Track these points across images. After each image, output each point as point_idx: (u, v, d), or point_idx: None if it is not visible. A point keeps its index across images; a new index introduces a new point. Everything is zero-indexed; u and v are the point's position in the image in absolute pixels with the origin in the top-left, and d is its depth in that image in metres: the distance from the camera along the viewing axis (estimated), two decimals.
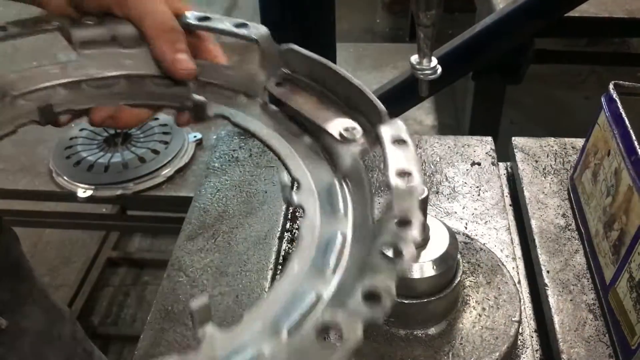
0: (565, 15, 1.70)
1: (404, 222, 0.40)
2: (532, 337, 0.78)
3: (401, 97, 1.47)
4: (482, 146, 1.04)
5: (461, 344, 0.71)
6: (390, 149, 0.46)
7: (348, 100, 0.54)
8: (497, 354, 0.70)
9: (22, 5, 0.63)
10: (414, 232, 0.39)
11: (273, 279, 0.84)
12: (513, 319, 0.73)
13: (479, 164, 1.00)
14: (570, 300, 0.78)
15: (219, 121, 0.62)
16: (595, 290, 0.79)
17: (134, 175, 1.58)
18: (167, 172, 1.59)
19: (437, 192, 0.96)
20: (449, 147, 1.05)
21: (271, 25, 0.58)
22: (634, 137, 0.74)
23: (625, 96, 0.81)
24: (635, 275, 0.69)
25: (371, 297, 0.36)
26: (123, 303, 2.24)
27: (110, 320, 2.19)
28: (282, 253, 0.89)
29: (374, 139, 0.50)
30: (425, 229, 0.70)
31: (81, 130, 1.71)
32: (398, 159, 0.45)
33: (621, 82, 0.83)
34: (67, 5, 0.61)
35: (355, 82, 0.53)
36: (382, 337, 0.72)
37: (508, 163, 1.05)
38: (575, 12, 1.71)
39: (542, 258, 0.83)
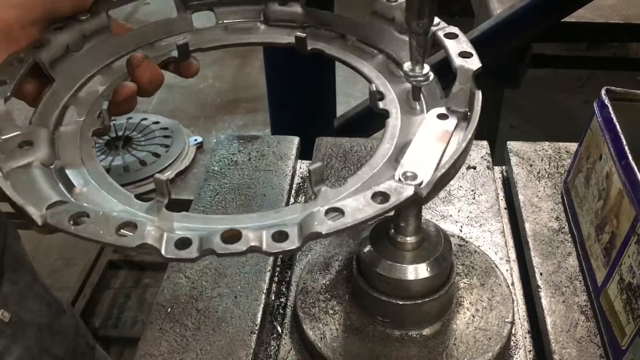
0: (562, 20, 1.72)
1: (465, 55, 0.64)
2: (525, 337, 0.80)
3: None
4: (477, 150, 1.05)
5: (455, 344, 0.72)
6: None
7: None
8: (490, 354, 0.71)
9: None
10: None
11: (271, 280, 0.85)
12: (506, 320, 0.75)
13: (474, 167, 1.02)
14: (563, 301, 0.80)
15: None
16: (587, 292, 0.80)
17: (135, 178, 1.59)
18: (168, 175, 1.61)
19: None
20: None
21: None
22: (624, 142, 0.76)
23: (617, 102, 0.83)
24: (625, 278, 0.71)
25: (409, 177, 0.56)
26: (124, 305, 2.26)
27: (111, 322, 2.20)
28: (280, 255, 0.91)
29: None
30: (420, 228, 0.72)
31: None
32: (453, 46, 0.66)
33: (613, 87, 0.84)
34: None
35: None
36: (377, 337, 0.73)
37: (503, 167, 1.06)
38: (572, 18, 1.73)
39: (536, 260, 0.85)
